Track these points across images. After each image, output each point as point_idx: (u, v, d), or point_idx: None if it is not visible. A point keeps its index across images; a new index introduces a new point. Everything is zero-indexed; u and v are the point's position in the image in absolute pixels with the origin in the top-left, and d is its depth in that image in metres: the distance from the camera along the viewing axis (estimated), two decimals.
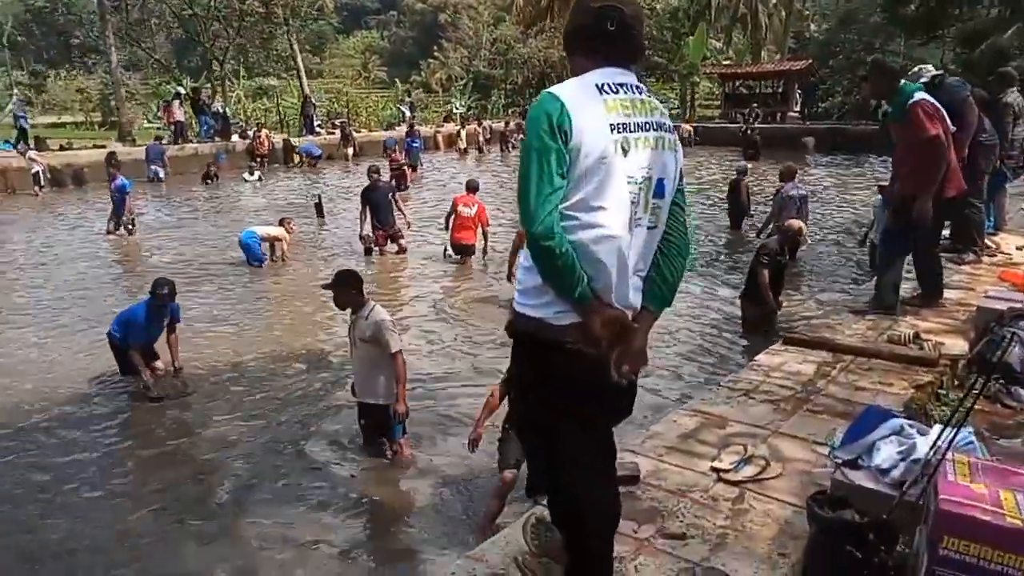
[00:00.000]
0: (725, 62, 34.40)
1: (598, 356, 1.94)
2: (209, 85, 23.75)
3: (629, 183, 1.90)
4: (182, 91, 22.49)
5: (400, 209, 10.94)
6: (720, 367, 6.16)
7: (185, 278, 9.55)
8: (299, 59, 25.86)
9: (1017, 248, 7.01)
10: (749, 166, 12.48)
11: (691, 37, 31.21)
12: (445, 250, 10.65)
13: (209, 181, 18.56)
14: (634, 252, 1.97)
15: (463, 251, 10.28)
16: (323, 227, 13.22)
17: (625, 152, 1.89)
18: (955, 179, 4.84)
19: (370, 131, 26.93)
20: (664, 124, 2.01)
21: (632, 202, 1.92)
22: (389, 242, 10.70)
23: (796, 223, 7.20)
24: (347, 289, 4.80)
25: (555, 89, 1.92)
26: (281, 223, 10.75)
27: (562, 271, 1.87)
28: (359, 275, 4.96)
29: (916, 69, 6.36)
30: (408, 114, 28.59)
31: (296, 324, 7.80)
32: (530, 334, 2.02)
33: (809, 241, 7.46)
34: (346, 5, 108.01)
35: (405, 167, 16.42)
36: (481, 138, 26.86)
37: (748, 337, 6.94)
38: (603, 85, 1.92)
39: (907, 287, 5.40)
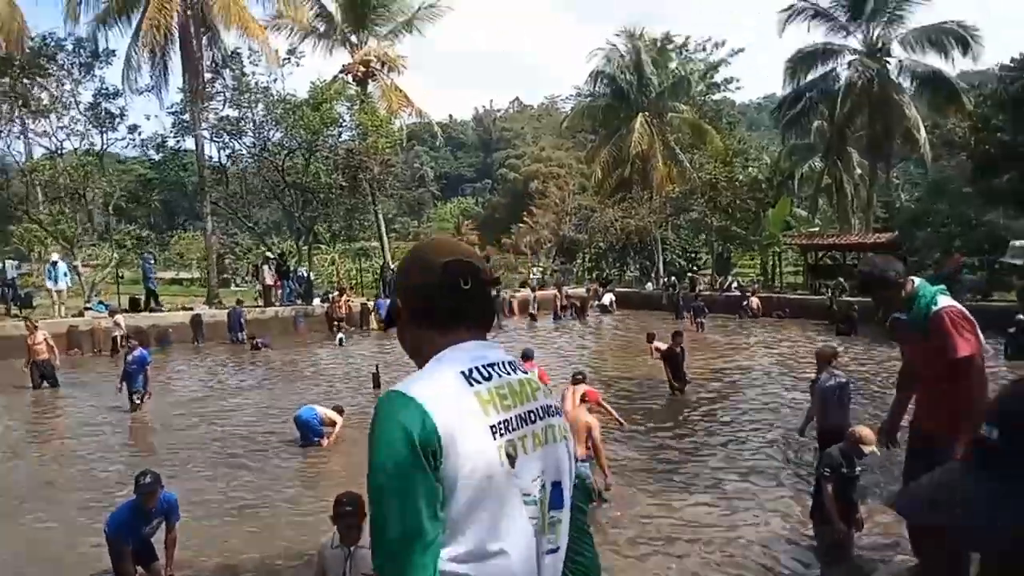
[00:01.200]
0: (812, 230, 34.00)
1: None
2: (296, 250, 24.98)
3: (526, 503, 1.37)
4: (270, 256, 23.65)
5: None
6: None
7: (218, 456, 9.33)
8: (382, 227, 27.10)
9: None
10: (839, 347, 11.47)
11: (772, 209, 31.12)
12: None
13: (256, 350, 18.69)
14: None
15: None
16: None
17: (512, 460, 1.36)
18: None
19: None
20: (550, 407, 1.51)
21: (536, 530, 1.38)
22: None
23: (860, 430, 6.21)
24: (361, 519, 4.17)
25: (408, 388, 1.37)
26: (336, 409, 10.47)
27: None
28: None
29: (1018, 244, 5.60)
30: None
31: (322, 520, 7.20)
32: None
33: (878, 451, 6.44)
34: (446, 175, 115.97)
35: None
36: (559, 303, 26.75)
37: (825, 570, 5.94)
38: (471, 372, 1.42)
39: None
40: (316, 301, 23.49)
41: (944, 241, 27.18)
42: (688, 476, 8.31)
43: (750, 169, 38.31)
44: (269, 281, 22.89)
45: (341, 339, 19.81)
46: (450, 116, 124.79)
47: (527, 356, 11.34)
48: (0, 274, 19.13)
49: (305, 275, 24.21)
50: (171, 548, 5.80)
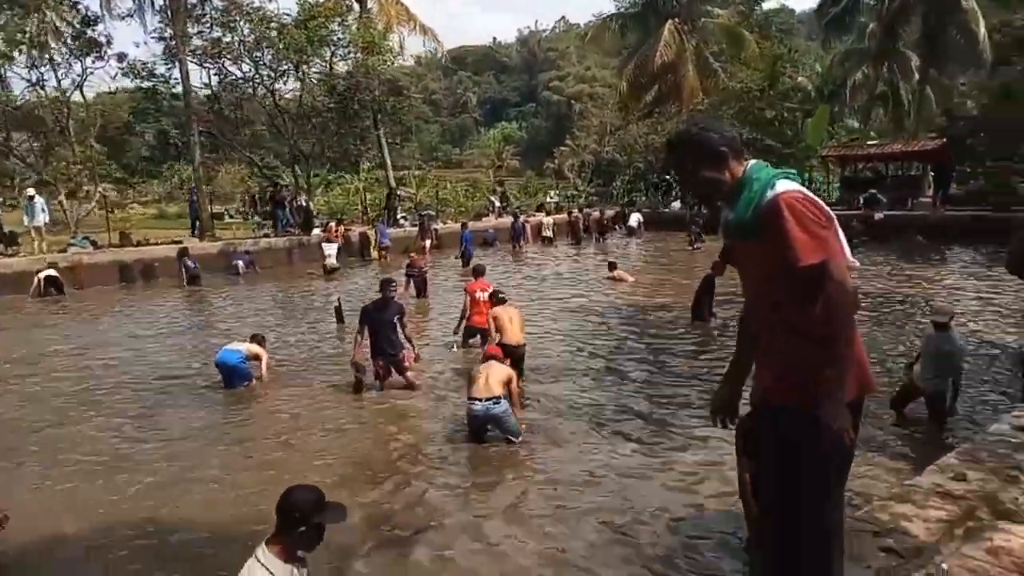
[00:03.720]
0: (871, 143, 31.25)
1: None
2: (293, 179, 23.93)
3: None
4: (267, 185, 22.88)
5: (407, 336, 8.85)
6: None
7: (123, 400, 8.53)
8: (386, 153, 25.81)
9: None
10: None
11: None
12: (451, 345, 10.28)
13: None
14: None
15: (481, 333, 9.82)
16: (341, 335, 11.91)
17: None
18: (859, 369, 2.49)
19: (456, 222, 26.17)
20: None
21: None
22: (393, 372, 8.60)
23: None
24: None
25: None
26: (255, 339, 9.54)
27: None
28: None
29: None
30: (497, 204, 27.78)
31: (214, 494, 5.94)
32: None
33: None
34: (489, 99, 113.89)
35: (426, 273, 14.86)
36: (581, 226, 25.38)
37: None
38: None
39: None
40: (316, 231, 22.61)
41: (1008, 149, 24.40)
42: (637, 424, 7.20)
43: (800, 79, 35.32)
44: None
45: (332, 265, 18.91)
46: (494, 39, 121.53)
47: (478, 272, 10.78)
48: None
49: (304, 205, 23.32)
50: None
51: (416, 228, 23.77)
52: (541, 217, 26.40)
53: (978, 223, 19.54)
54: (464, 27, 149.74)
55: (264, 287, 17.57)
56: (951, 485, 3.85)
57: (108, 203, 20.57)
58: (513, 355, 8.47)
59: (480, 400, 6.67)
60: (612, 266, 15.39)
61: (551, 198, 32.68)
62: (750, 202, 2.43)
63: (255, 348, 9.31)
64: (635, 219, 27.14)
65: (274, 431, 7.35)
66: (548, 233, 24.87)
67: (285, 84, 22.62)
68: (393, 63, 23.51)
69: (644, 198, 33.54)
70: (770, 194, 2.39)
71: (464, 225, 21.01)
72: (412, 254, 15.91)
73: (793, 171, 2.57)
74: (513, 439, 6.67)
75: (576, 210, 27.59)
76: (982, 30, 26.03)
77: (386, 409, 8.02)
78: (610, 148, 45.78)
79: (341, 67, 22.99)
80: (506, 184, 36.92)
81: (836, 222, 2.43)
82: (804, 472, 2.43)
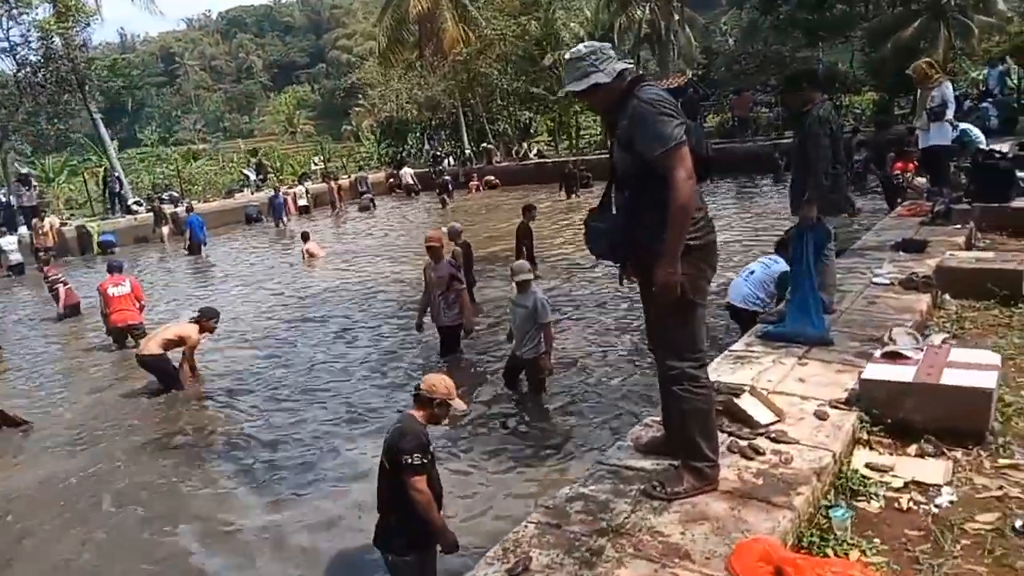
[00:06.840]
0: None
1: None
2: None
3: None
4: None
5: None
6: None
7: None
8: (102, 130, 22.20)
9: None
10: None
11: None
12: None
13: None
14: None
15: (129, 331, 8.95)
16: None
17: None
18: None
19: (206, 202, 23.34)
20: None
21: None
22: None
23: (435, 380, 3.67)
24: None
25: None
26: None
27: None
28: None
29: None
30: (253, 178, 25.17)
31: None
32: None
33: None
34: (276, 62, 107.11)
35: (62, 285, 11.68)
36: (334, 195, 23.41)
37: None
38: None
39: None
40: (22, 229, 19.09)
41: (751, 80, 25.14)
42: None
43: (572, 24, 34.97)
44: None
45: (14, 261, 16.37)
46: None
47: (115, 268, 9.79)
48: None
49: (3, 200, 19.69)
50: None
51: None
52: (296, 188, 24.24)
53: (721, 155, 19.77)
54: None
55: None
56: None
57: None
58: None
59: None
60: (305, 237, 13.98)
61: (316, 164, 30.37)
62: None
63: None
64: (408, 174, 25.56)
65: None
66: (303, 202, 23.29)
67: None
68: (88, 25, 20.04)
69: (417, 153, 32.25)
70: None
71: (189, 208, 18.47)
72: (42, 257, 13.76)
73: None
74: None
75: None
76: None
77: None
78: (409, 106, 43.58)
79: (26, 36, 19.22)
80: (260, 155, 34.01)
81: None
82: None
